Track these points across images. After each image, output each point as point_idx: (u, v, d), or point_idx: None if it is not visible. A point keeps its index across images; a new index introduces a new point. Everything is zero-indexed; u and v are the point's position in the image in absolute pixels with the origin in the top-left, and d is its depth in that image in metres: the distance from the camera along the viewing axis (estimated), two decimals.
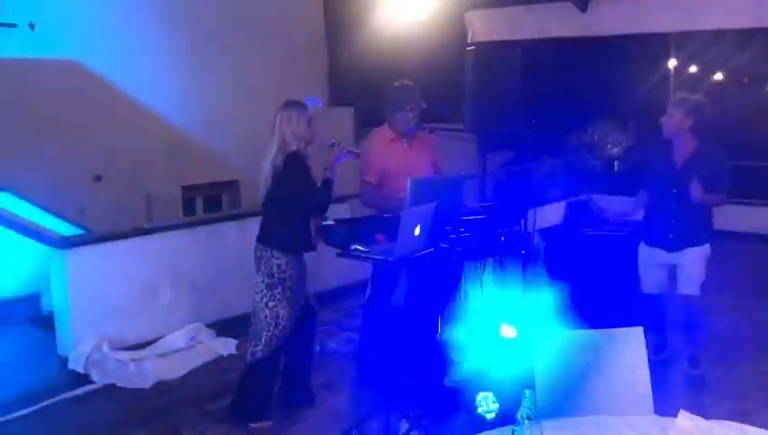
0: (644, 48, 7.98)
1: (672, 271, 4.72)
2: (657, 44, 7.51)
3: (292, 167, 3.83)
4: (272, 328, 3.92)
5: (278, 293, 3.89)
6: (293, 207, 3.91)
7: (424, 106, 4.40)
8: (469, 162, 7.26)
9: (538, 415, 2.41)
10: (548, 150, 10.26)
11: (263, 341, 3.92)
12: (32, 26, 7.44)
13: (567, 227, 9.31)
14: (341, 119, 9.98)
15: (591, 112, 10.97)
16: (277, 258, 3.88)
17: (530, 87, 5.35)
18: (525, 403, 2.03)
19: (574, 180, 10.63)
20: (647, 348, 2.78)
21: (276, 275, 3.88)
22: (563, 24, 6.57)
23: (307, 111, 3.95)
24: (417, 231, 3.52)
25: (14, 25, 7.31)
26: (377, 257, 3.56)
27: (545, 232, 8.63)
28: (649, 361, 2.76)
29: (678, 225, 4.57)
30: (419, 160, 4.43)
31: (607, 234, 9.13)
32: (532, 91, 5.49)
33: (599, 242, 6.69)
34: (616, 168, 13.13)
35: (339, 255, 3.71)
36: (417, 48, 7.92)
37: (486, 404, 3.94)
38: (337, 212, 5.94)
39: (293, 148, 3.85)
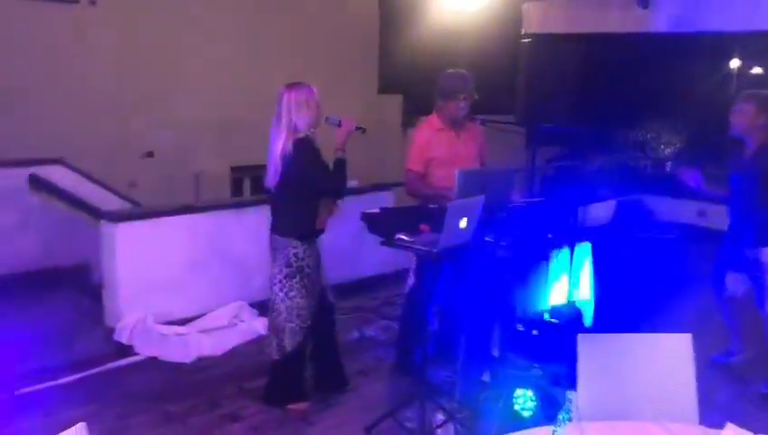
0: (705, 47, 7.75)
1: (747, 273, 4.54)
2: (720, 44, 7.27)
3: (303, 152, 3.77)
4: (294, 318, 3.90)
5: (296, 282, 3.86)
6: (306, 194, 3.87)
7: (476, 96, 4.35)
8: (516, 155, 7.19)
9: (579, 417, 2.38)
10: (599, 148, 10.11)
11: (287, 333, 3.91)
12: (93, 2, 7.57)
13: (616, 227, 9.19)
14: (390, 106, 9.96)
15: (646, 111, 10.77)
16: (294, 247, 3.84)
17: (585, 82, 5.24)
18: (567, 405, 2.00)
19: (624, 179, 10.47)
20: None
21: (294, 264, 3.85)
22: (623, 20, 6.42)
23: (314, 92, 3.87)
24: (463, 223, 3.49)
25: (76, 1, 7.45)
26: (421, 248, 3.54)
27: (593, 231, 8.50)
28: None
29: (745, 224, 4.40)
30: (466, 151, 4.40)
31: (657, 236, 9.01)
32: (586, 86, 5.38)
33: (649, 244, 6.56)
34: (668, 169, 12.85)
35: (382, 243, 3.70)
36: (471, 37, 7.82)
37: (524, 401, 3.91)
38: (381, 200, 5.97)
39: (302, 134, 3.79)
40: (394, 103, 10.15)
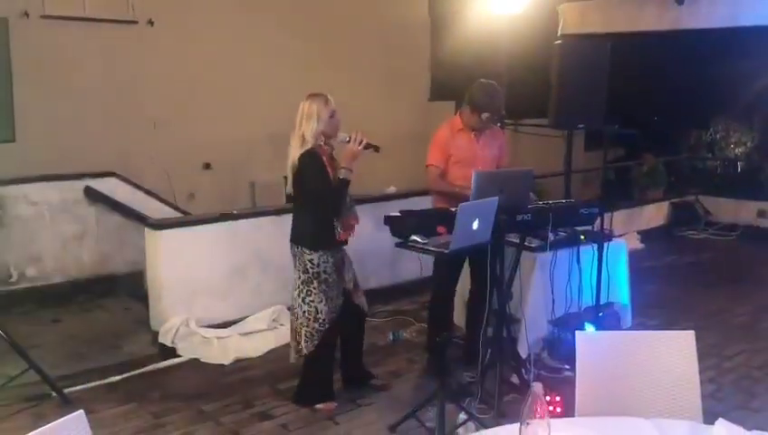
0: (748, 42, 7.48)
1: None
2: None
3: (307, 166, 3.78)
4: (311, 322, 3.96)
5: (314, 288, 3.92)
6: (313, 205, 3.91)
7: (503, 113, 4.40)
8: (556, 158, 7.13)
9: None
10: (655, 149, 9.88)
11: (304, 337, 3.99)
12: (151, 23, 7.92)
13: (670, 227, 8.99)
14: (442, 113, 10.00)
15: (702, 109, 10.47)
16: (308, 254, 3.90)
17: (620, 82, 5.17)
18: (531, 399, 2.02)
19: (682, 180, 10.20)
20: None
21: (310, 270, 3.91)
22: (659, 17, 6.31)
23: (329, 103, 3.86)
24: (475, 225, 3.53)
25: (134, 22, 7.82)
26: (433, 249, 3.60)
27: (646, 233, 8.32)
28: None
29: None
30: (483, 153, 4.46)
31: (712, 236, 8.75)
32: (622, 86, 5.29)
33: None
34: (739, 168, 12.40)
35: (397, 245, 3.78)
36: (515, 42, 7.82)
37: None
38: (424, 205, 6.02)
39: (310, 145, 3.80)
40: (446, 110, 10.18)
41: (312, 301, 3.94)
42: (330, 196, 3.84)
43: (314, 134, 3.81)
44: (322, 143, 3.87)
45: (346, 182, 3.85)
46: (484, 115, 4.38)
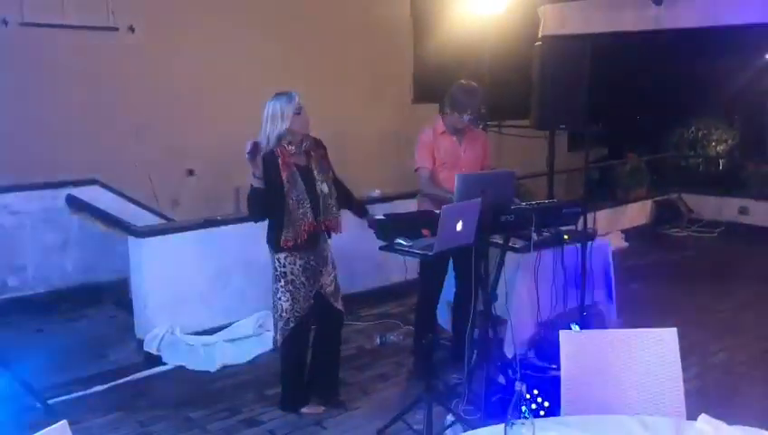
0: (726, 42, 7.57)
1: None
2: (742, 38, 7.06)
3: (266, 167, 3.74)
4: (279, 320, 4.01)
5: (280, 286, 3.94)
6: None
7: (483, 110, 4.42)
8: (540, 159, 7.15)
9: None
10: (638, 148, 9.95)
11: (279, 329, 4.03)
12: (132, 29, 7.89)
13: (653, 226, 9.06)
14: (425, 115, 10.01)
15: (684, 108, 10.57)
16: (275, 254, 3.94)
17: (602, 82, 5.21)
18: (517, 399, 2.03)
19: (665, 178, 10.26)
20: None
21: (278, 269, 3.94)
22: (638, 18, 6.37)
23: (294, 100, 3.82)
24: (459, 226, 3.54)
25: (115, 29, 7.78)
26: (417, 252, 3.61)
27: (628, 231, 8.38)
28: None
29: None
30: (466, 155, 4.48)
31: (695, 234, 8.83)
32: (603, 86, 5.33)
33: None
34: (721, 166, 12.52)
35: (381, 248, 3.78)
36: (498, 43, 7.86)
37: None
38: (409, 207, 6.02)
39: (273, 146, 3.78)
40: (429, 112, 10.18)
41: (280, 298, 3.98)
42: (250, 201, 3.82)
43: (279, 134, 3.79)
44: (287, 144, 3.83)
45: (254, 190, 3.77)
46: (466, 116, 4.40)
